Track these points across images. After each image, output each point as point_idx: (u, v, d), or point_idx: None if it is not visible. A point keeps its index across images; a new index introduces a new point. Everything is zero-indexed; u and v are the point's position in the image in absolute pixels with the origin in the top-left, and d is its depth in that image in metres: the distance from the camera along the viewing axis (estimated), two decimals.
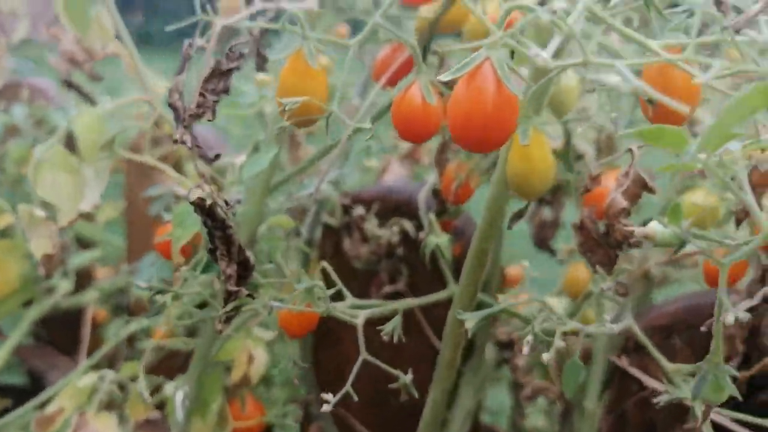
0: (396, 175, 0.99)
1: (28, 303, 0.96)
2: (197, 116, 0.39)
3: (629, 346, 0.65)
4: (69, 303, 1.01)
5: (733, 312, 0.26)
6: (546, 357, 0.40)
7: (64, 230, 0.69)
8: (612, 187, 0.43)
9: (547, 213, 0.76)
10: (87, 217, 1.05)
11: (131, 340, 0.86)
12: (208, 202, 0.40)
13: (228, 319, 0.46)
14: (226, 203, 0.40)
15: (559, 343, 0.40)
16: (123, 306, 1.08)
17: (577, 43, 0.31)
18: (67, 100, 1.11)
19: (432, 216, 0.64)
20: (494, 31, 0.34)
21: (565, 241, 0.76)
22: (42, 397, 0.81)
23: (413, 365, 0.58)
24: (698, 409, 0.39)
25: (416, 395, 0.50)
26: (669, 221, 0.26)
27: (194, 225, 0.45)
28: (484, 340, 0.76)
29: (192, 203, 0.40)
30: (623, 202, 0.42)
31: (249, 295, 0.43)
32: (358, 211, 0.80)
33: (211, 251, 0.43)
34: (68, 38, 0.82)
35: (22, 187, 1.04)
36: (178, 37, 0.44)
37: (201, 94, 0.39)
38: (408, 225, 0.76)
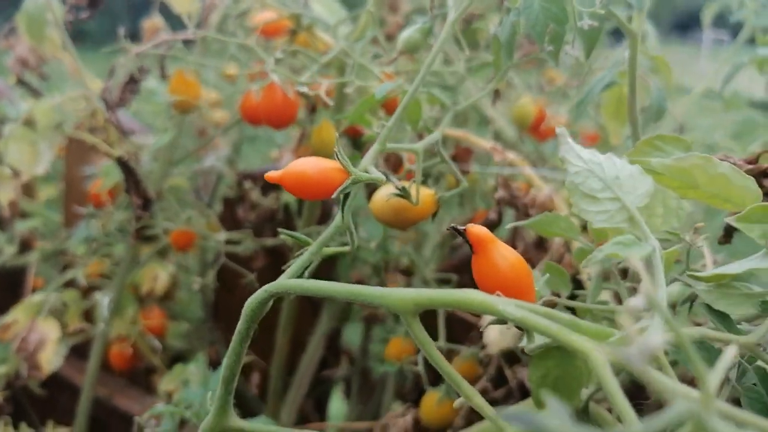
0: (286, 161, 1.26)
1: None
2: (120, 105, 0.65)
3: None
4: (14, 262, 1.23)
5: None
6: None
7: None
8: None
9: None
10: (29, 195, 1.30)
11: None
12: (126, 159, 0.66)
13: (138, 236, 0.72)
14: (137, 161, 0.67)
15: None
16: (59, 268, 1.29)
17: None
18: (13, 95, 1.34)
19: None
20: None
21: None
22: None
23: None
24: None
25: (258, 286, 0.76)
26: None
27: (116, 176, 0.71)
28: (340, 279, 1.03)
29: (116, 160, 0.66)
30: None
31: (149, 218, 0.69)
32: (247, 184, 1.07)
33: (127, 190, 0.69)
34: (22, 47, 1.06)
35: None
36: (109, 38, 0.69)
37: (122, 92, 0.65)
38: (285, 196, 1.03)
